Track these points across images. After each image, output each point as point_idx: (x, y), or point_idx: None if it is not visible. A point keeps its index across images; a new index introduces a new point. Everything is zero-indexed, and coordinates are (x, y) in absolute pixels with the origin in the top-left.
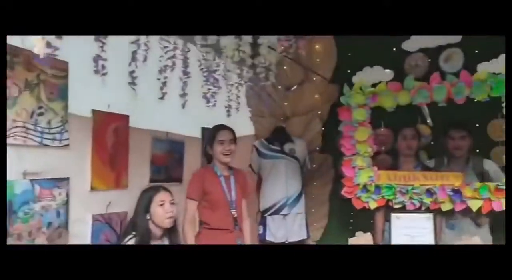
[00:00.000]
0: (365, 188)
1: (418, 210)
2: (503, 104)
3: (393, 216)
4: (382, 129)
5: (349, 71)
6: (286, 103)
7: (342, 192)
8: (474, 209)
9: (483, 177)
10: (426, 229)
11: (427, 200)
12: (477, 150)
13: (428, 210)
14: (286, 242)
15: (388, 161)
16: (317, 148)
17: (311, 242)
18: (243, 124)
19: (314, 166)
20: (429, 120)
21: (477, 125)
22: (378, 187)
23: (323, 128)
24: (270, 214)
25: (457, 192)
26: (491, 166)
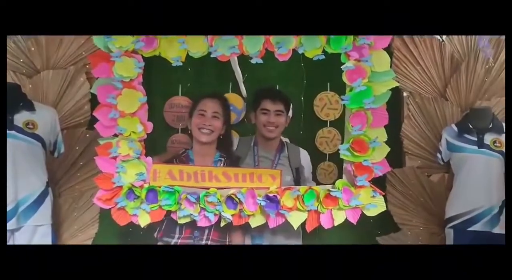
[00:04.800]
0: (132, 192)
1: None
2: (344, 68)
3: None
4: (180, 97)
5: None
6: None
7: (94, 200)
8: (296, 225)
9: (296, 174)
10: None
11: (229, 213)
12: (301, 132)
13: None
14: None
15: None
16: (82, 121)
17: None
18: None
19: (77, 148)
20: (242, 87)
21: (302, 97)
22: (153, 191)
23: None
24: None
25: (272, 200)
26: (306, 161)
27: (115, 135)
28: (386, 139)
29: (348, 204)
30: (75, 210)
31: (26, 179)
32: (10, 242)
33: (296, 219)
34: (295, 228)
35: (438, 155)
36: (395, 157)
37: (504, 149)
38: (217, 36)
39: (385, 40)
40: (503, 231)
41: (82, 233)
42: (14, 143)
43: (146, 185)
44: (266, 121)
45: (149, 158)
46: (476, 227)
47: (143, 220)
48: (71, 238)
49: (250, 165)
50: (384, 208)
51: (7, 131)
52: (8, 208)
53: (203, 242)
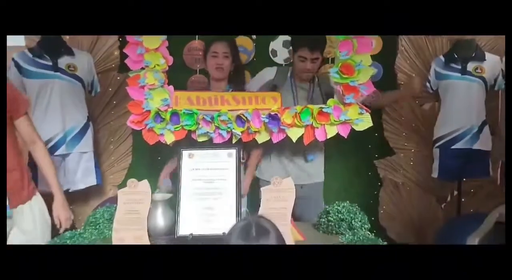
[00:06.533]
0: (158, 115)
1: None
2: None
3: (185, 153)
4: (196, 42)
5: None
6: None
7: (128, 122)
8: (294, 138)
9: (327, 98)
10: (227, 169)
11: (238, 130)
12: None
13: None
14: (70, 191)
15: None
16: (113, 65)
17: (107, 192)
18: None
19: (110, 89)
20: None
21: None
22: (175, 114)
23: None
24: None
25: (274, 118)
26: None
27: (142, 68)
28: (370, 64)
29: (338, 119)
30: (111, 143)
31: (71, 113)
32: (61, 166)
33: (294, 134)
34: (294, 141)
35: (427, 84)
36: (391, 88)
37: (484, 75)
38: None
39: None
40: (481, 147)
41: (118, 164)
42: (60, 83)
43: (169, 109)
44: (303, 68)
45: (171, 87)
46: (458, 145)
47: (169, 138)
48: (110, 168)
49: (287, 94)
50: (370, 124)
51: (53, 72)
52: (57, 138)
53: None
